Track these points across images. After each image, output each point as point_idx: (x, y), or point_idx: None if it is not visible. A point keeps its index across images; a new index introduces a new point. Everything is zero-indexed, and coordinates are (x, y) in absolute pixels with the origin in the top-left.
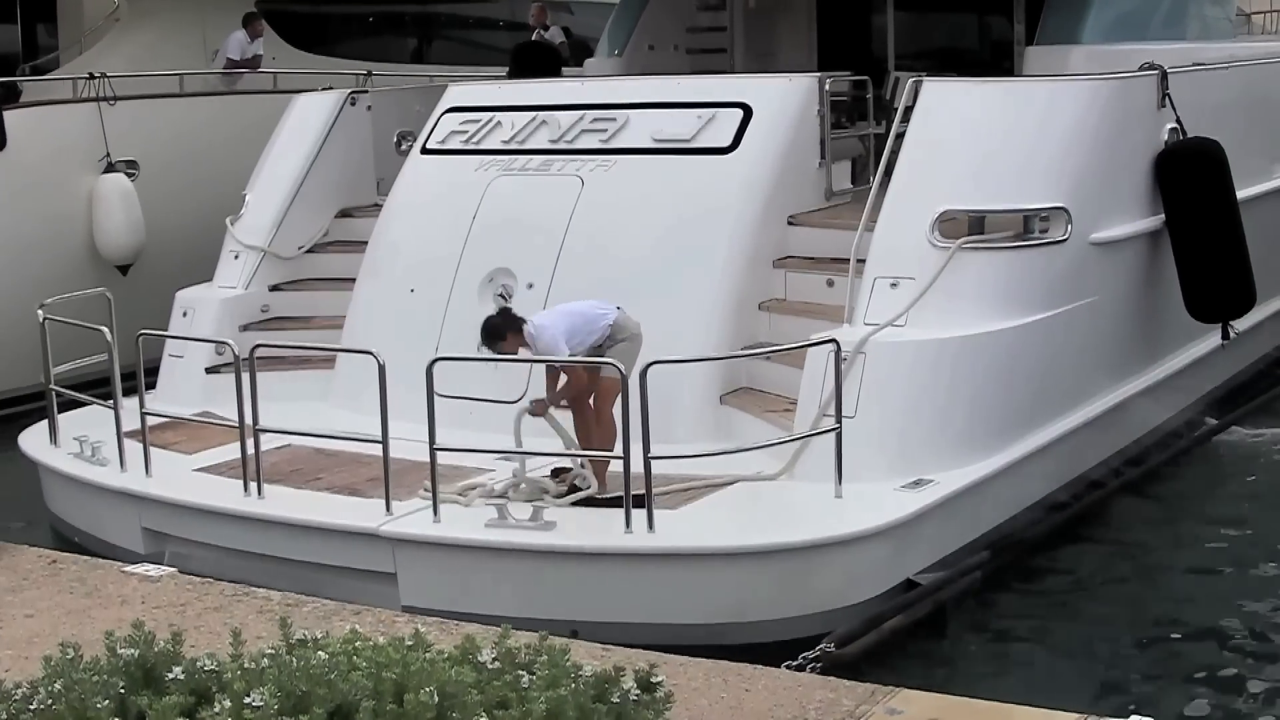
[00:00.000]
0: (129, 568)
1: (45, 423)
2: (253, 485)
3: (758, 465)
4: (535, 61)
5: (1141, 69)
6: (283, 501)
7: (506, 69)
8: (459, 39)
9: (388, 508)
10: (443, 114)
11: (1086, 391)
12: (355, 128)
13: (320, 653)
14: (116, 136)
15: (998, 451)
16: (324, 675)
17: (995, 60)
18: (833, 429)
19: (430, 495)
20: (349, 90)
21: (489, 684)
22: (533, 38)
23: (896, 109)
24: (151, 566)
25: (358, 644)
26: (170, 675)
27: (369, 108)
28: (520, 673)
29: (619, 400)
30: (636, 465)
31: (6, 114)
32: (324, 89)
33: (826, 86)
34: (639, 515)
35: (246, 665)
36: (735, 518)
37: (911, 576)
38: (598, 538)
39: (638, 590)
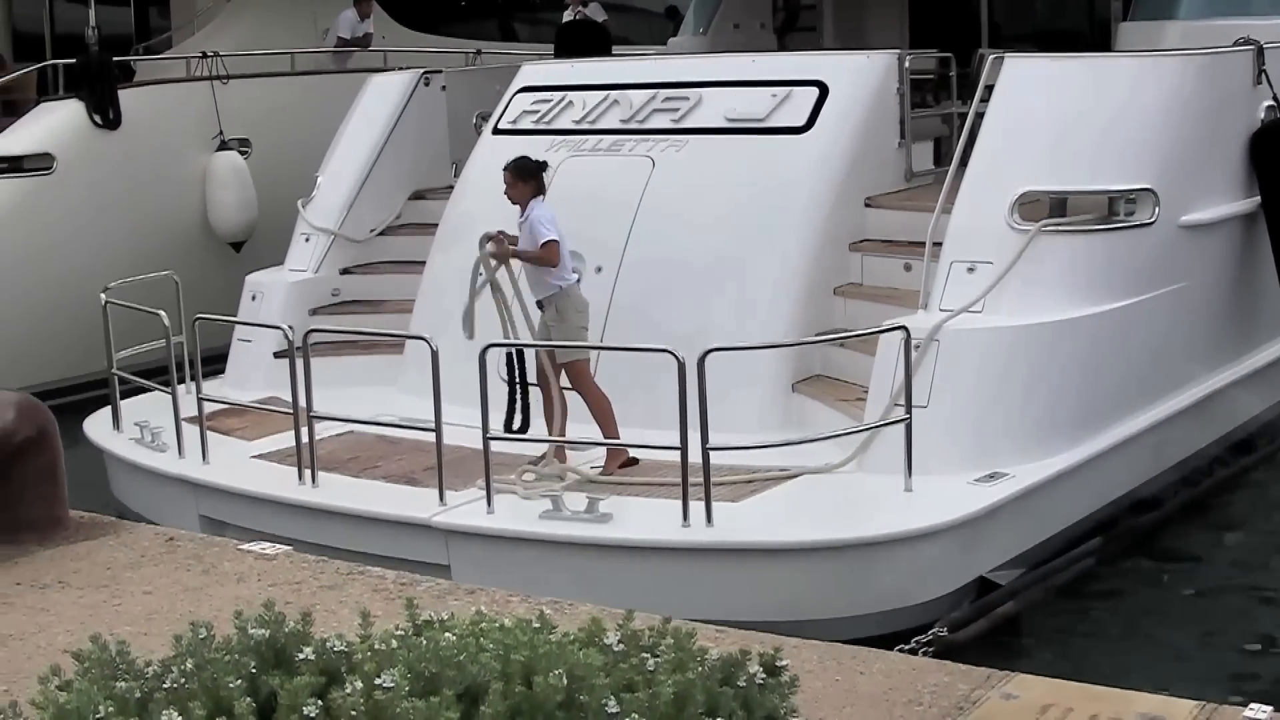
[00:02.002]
0: (245, 545)
1: (109, 408)
2: (307, 473)
3: (828, 456)
4: (581, 41)
5: (1236, 44)
6: (337, 490)
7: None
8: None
9: (441, 498)
10: (515, 94)
11: (1174, 382)
12: (429, 109)
13: (448, 634)
14: (229, 115)
15: (1078, 444)
16: (453, 657)
17: (1095, 38)
18: (902, 419)
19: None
20: (422, 70)
21: (615, 667)
22: (571, 16)
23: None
24: (267, 544)
25: (483, 625)
26: (300, 655)
27: (443, 88)
28: (645, 655)
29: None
30: (695, 456)
31: (121, 94)
32: (401, 69)
33: (906, 64)
34: (697, 508)
35: (376, 646)
36: (798, 511)
37: (985, 574)
38: (654, 531)
39: (694, 586)
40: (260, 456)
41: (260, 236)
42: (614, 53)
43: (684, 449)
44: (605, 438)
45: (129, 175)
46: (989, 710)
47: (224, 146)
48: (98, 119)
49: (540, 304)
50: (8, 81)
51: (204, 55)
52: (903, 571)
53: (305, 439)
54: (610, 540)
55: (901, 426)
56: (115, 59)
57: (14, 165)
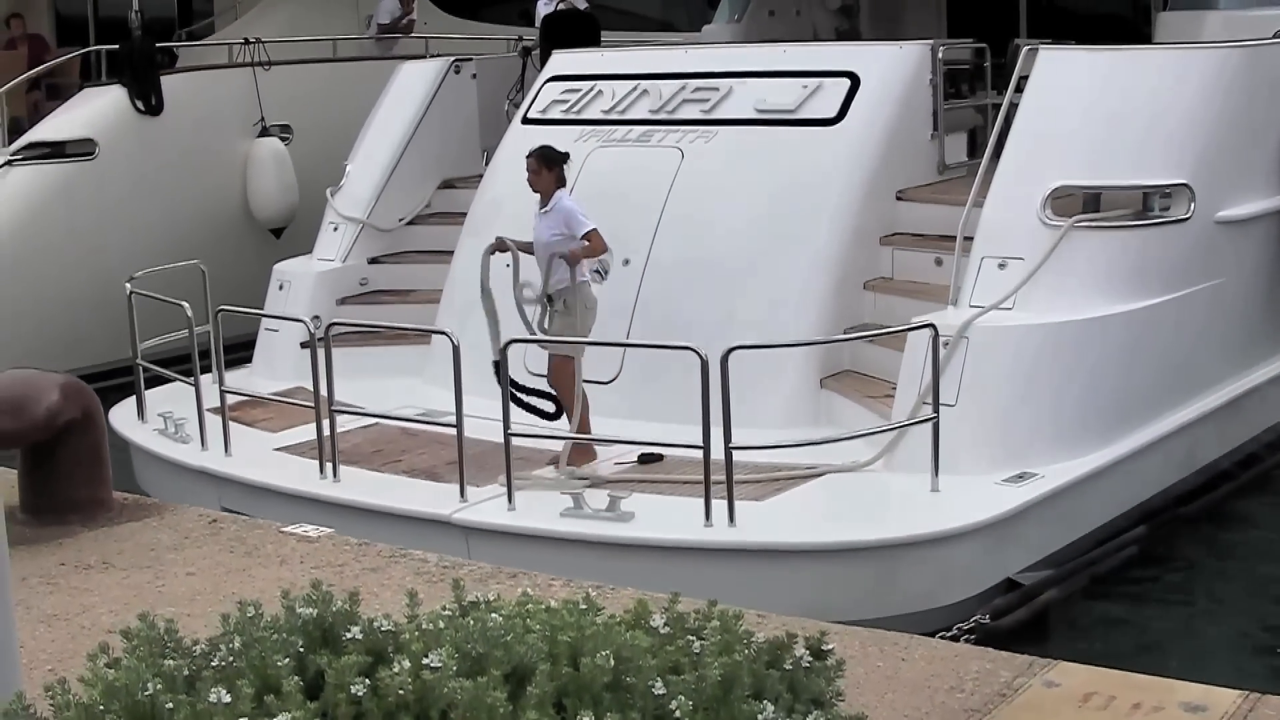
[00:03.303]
0: (287, 527)
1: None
2: (328, 467)
3: (854, 454)
4: (568, 33)
5: (1276, 36)
6: (358, 485)
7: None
8: (612, 5)
9: (462, 494)
10: (545, 82)
11: (1208, 381)
12: (459, 97)
13: (494, 615)
14: (271, 101)
15: (1109, 445)
16: (500, 637)
17: (1136, 27)
18: (929, 418)
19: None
20: (453, 58)
21: (661, 649)
22: (552, 8)
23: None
24: (310, 526)
25: (530, 606)
26: (348, 635)
27: (474, 76)
28: (691, 638)
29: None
30: (719, 454)
31: (164, 79)
32: (433, 56)
33: (939, 54)
34: (720, 507)
35: (423, 626)
36: (822, 511)
37: (1012, 576)
38: (675, 530)
39: (716, 586)
40: (282, 449)
41: (301, 223)
42: (645, 41)
43: (706, 447)
44: (574, 430)
45: (170, 161)
46: (1031, 698)
47: (265, 133)
48: (140, 105)
49: (550, 298)
50: (51, 66)
51: (246, 41)
52: (929, 573)
53: (327, 432)
54: (631, 539)
55: (929, 425)
56: (158, 44)
57: (56, 150)
